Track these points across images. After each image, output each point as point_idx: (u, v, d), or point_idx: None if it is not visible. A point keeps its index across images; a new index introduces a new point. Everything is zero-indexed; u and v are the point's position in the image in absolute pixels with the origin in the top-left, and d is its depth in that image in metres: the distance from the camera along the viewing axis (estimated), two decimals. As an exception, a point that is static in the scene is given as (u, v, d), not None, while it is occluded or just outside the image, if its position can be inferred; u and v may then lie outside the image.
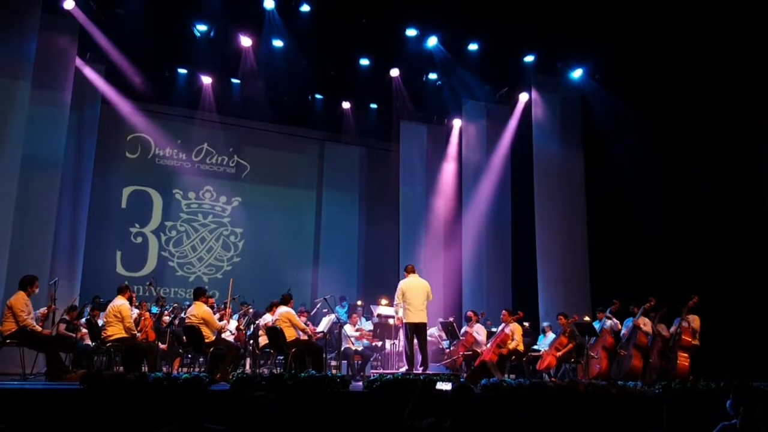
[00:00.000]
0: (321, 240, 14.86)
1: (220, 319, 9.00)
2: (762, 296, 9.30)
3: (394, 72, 12.75)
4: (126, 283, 9.05)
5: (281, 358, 9.07)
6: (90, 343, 8.52)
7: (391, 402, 6.07)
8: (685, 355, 8.69)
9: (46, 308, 8.02)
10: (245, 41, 11.56)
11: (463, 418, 3.63)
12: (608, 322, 9.28)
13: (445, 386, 5.36)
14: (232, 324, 9.81)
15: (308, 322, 9.88)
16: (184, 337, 8.40)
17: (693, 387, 6.91)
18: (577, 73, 12.39)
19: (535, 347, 10.32)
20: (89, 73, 11.63)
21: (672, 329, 8.96)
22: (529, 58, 12.24)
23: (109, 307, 7.95)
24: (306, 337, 8.47)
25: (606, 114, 11.82)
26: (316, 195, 15.07)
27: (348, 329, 10.13)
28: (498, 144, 13.58)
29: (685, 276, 9.84)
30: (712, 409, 4.52)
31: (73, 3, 10.29)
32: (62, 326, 8.59)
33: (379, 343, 10.38)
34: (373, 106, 14.37)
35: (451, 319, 10.48)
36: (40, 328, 7.57)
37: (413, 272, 8.87)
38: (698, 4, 9.77)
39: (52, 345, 7.66)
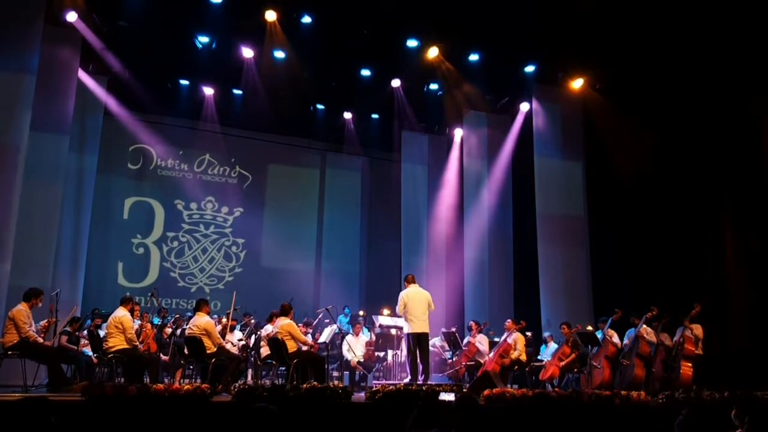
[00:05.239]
0: (323, 250, 14.85)
1: (223, 331, 8.99)
2: (765, 305, 9.27)
3: (396, 82, 12.80)
4: (128, 294, 9.05)
5: (283, 369, 9.04)
6: (91, 352, 8.52)
7: (394, 413, 6.05)
8: (688, 364, 8.66)
9: (46, 321, 8.00)
10: (247, 52, 11.61)
11: (467, 429, 3.61)
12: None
13: (447, 397, 5.34)
14: (236, 335, 9.80)
15: (308, 331, 9.86)
16: (186, 349, 8.37)
17: (697, 396, 6.89)
18: (577, 83, 12.42)
19: (538, 357, 10.30)
20: (91, 84, 11.68)
21: (675, 338, 8.95)
22: (529, 68, 12.28)
23: (110, 318, 7.94)
24: (307, 348, 8.44)
25: (607, 123, 11.83)
26: (318, 205, 15.07)
27: (352, 342, 10.10)
28: (499, 153, 13.59)
29: (687, 285, 9.82)
30: (717, 419, 4.49)
31: (76, 15, 10.35)
32: (64, 338, 8.57)
33: (381, 354, 10.36)
34: (375, 116, 14.42)
35: (454, 329, 10.45)
36: (41, 340, 7.56)
37: (414, 282, 8.83)
38: (699, 12, 9.81)
39: (53, 357, 7.65)
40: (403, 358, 9.28)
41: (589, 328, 9.88)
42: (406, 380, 8.42)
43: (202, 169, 14.12)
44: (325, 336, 9.56)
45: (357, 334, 10.52)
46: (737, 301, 9.69)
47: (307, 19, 10.87)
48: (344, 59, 11.85)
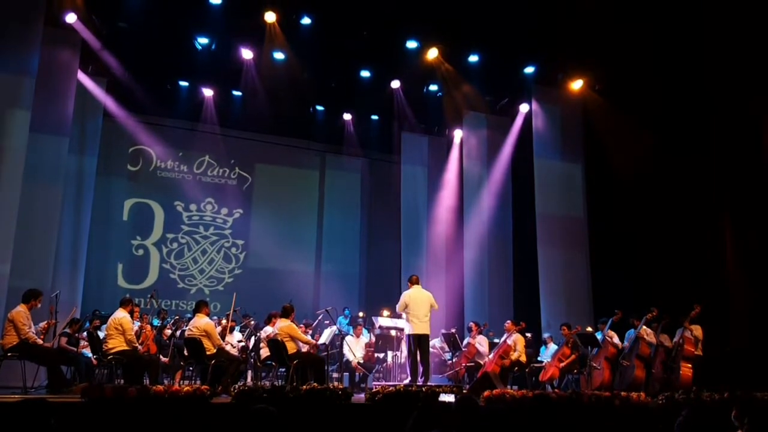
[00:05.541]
0: (323, 251, 14.85)
1: (222, 332, 8.97)
2: (765, 305, 9.27)
3: (395, 84, 12.81)
4: (128, 295, 9.04)
5: (283, 370, 9.03)
6: (90, 354, 8.51)
7: (394, 414, 6.04)
8: (688, 365, 8.66)
9: (46, 322, 7.99)
10: (246, 54, 11.61)
11: (467, 430, 3.61)
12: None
13: (447, 398, 5.34)
14: (235, 337, 9.79)
15: (308, 332, 9.85)
16: (186, 350, 8.36)
17: (697, 398, 6.88)
18: (577, 84, 12.42)
19: (538, 358, 10.29)
20: (91, 86, 11.66)
21: (675, 339, 8.94)
22: (529, 69, 12.29)
23: (110, 319, 7.93)
24: (307, 349, 8.43)
25: (606, 125, 11.83)
26: (318, 206, 15.08)
27: (353, 343, 10.09)
28: (499, 155, 13.60)
29: (687, 286, 9.82)
30: (717, 420, 4.49)
31: (76, 17, 10.34)
32: (64, 339, 8.57)
33: (381, 355, 10.35)
34: (374, 117, 14.42)
35: (454, 331, 10.45)
36: (41, 341, 7.55)
37: (417, 283, 8.83)
38: (699, 12, 9.81)
39: (53, 358, 7.64)
40: (403, 360, 9.29)
41: (589, 329, 9.88)
42: (406, 381, 8.41)
43: (201, 170, 14.12)
44: (324, 337, 9.56)
45: (358, 336, 10.52)
46: (737, 302, 9.69)
47: (306, 20, 10.87)
48: (344, 60, 11.85)
